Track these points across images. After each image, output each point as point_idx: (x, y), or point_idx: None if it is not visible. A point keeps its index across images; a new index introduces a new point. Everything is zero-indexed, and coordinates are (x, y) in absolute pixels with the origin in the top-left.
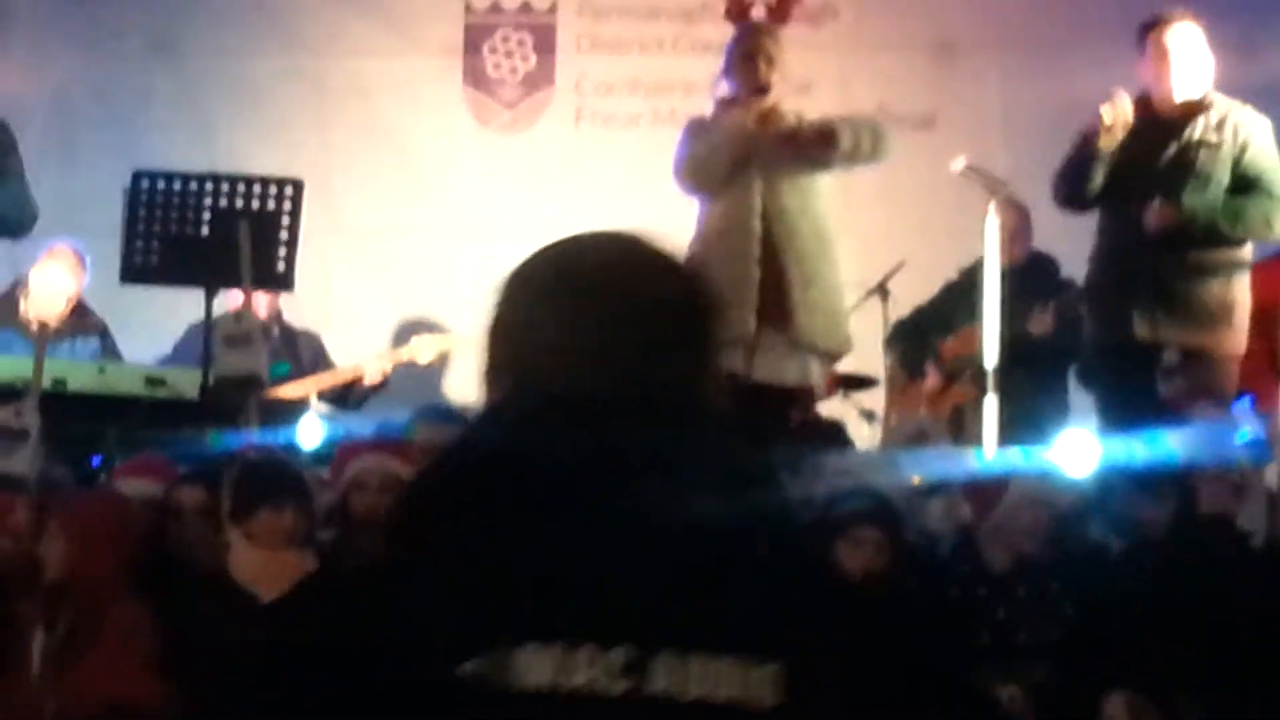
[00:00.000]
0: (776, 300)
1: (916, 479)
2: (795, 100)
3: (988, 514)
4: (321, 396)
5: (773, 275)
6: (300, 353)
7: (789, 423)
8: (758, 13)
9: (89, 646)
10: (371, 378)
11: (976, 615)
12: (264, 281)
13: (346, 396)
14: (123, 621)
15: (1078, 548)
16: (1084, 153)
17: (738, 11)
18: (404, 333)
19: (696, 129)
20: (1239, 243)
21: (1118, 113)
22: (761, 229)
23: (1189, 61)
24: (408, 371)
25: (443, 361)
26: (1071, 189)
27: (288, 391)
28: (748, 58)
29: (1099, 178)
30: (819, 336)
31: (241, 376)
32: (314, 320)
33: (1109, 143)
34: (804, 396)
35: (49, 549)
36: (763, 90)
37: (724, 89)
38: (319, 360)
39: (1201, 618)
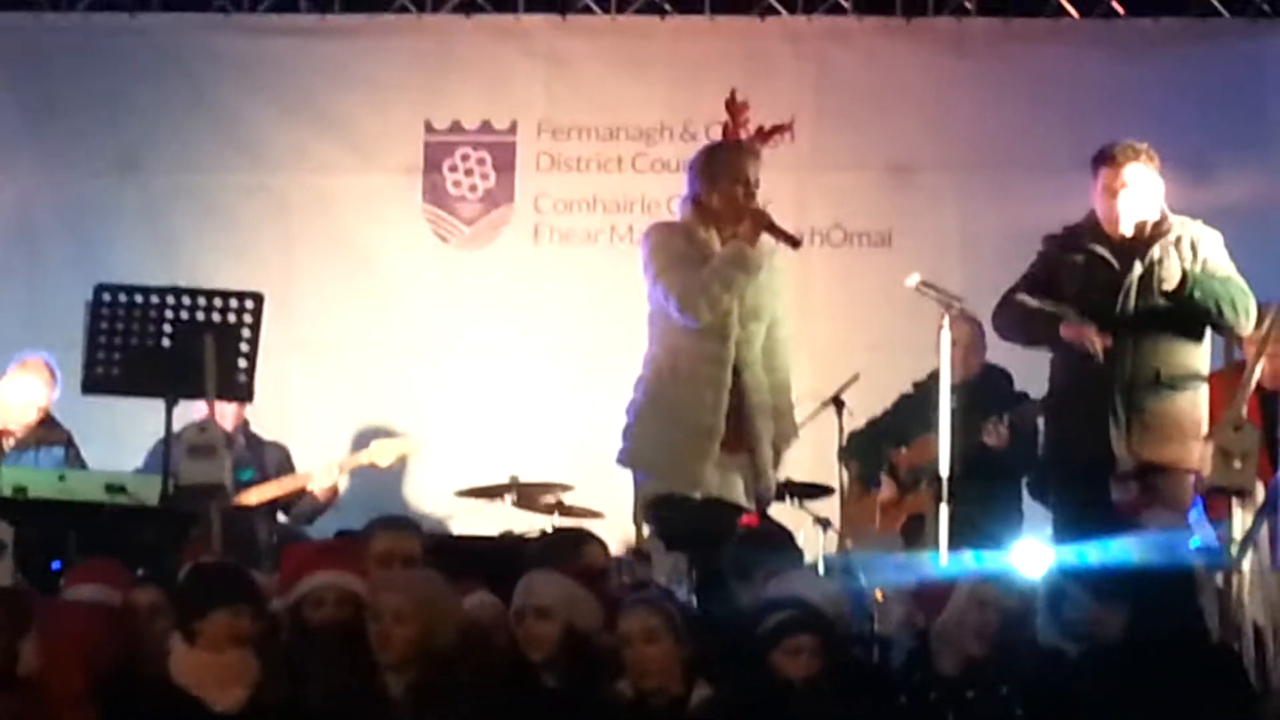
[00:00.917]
0: (736, 429)
1: (880, 593)
2: None
3: (936, 617)
4: (274, 508)
5: (734, 402)
6: (265, 462)
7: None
8: (745, 133)
9: None
10: (320, 483)
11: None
12: (224, 393)
13: (292, 509)
14: None
15: (1028, 651)
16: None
17: (733, 130)
18: (362, 445)
19: (672, 239)
20: (1202, 338)
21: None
22: (732, 382)
23: (1140, 201)
24: (366, 478)
25: (402, 465)
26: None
27: (241, 499)
28: (742, 179)
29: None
30: (768, 489)
31: (205, 486)
32: (272, 433)
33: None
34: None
35: (25, 650)
36: (754, 219)
37: (692, 190)
38: (283, 470)
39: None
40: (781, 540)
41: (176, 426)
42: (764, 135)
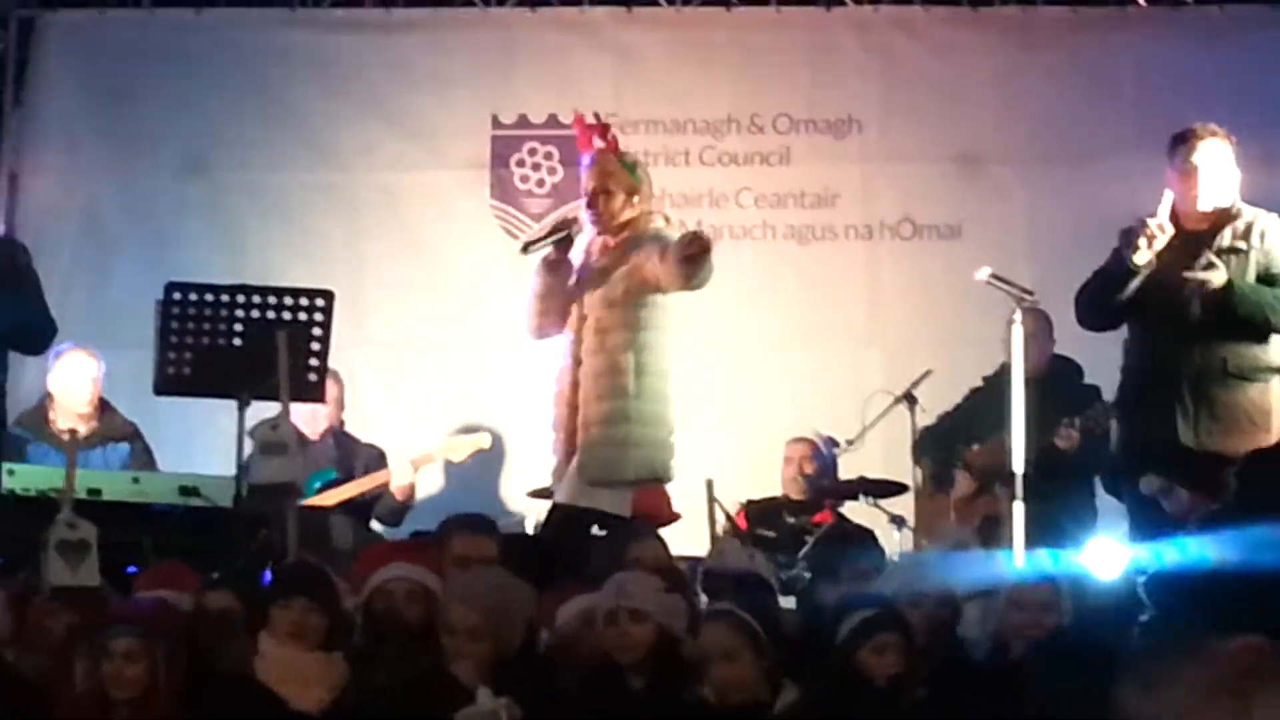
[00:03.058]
0: (571, 438)
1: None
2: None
3: (1017, 618)
4: (365, 512)
5: (574, 414)
6: (355, 463)
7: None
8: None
9: None
10: (396, 481)
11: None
12: (294, 393)
13: (372, 509)
14: None
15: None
16: (1118, 266)
17: (585, 143)
18: (433, 442)
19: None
20: (1267, 338)
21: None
22: (574, 369)
23: (1216, 178)
24: (440, 479)
25: (474, 460)
26: (1100, 302)
27: (318, 500)
28: (586, 190)
29: (1129, 290)
30: (599, 470)
31: (276, 485)
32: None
33: (1142, 257)
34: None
35: (149, 672)
36: (595, 226)
37: None
38: (373, 471)
39: None
40: (864, 540)
41: (251, 425)
42: (605, 138)
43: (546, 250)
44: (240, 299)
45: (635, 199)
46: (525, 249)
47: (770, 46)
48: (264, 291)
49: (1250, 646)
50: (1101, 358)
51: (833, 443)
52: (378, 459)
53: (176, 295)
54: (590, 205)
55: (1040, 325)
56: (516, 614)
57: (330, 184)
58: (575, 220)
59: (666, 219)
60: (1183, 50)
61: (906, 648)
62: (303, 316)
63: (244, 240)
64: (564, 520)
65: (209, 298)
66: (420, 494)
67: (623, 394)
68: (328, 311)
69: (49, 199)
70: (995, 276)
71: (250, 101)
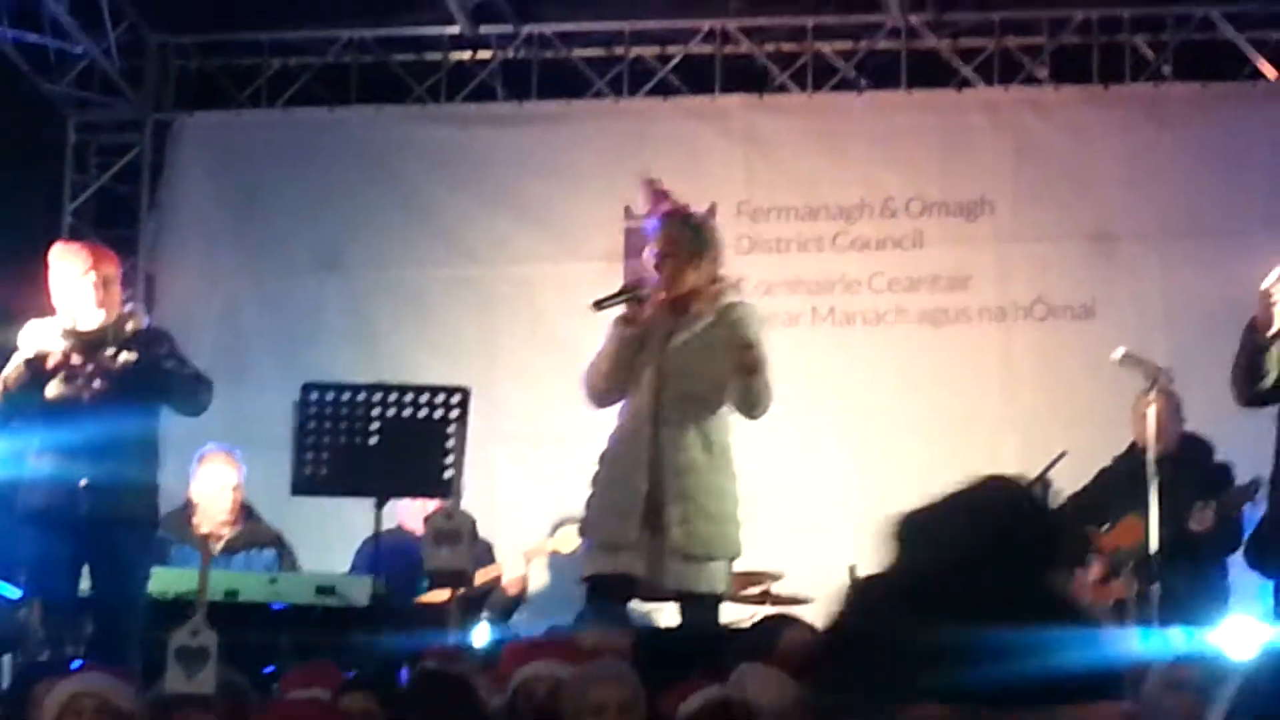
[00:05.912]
0: (656, 511)
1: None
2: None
3: (1170, 700)
4: (474, 605)
5: (655, 486)
6: None
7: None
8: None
9: None
10: (509, 574)
11: None
12: (429, 490)
13: (486, 603)
14: None
15: None
16: (1250, 347)
17: (651, 207)
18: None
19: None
20: None
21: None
22: (652, 439)
23: None
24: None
25: None
26: (1243, 386)
27: (430, 597)
28: (655, 257)
29: (1272, 370)
30: (700, 545)
31: (450, 572)
32: (481, 529)
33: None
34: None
35: None
36: (660, 292)
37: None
38: (482, 565)
39: None
40: (1076, 614)
41: (405, 520)
42: (666, 201)
43: (620, 309)
44: (376, 397)
45: (700, 262)
46: (598, 306)
47: (901, 130)
48: (400, 390)
49: None
50: (1233, 436)
51: None
52: (485, 552)
53: (313, 395)
54: (657, 269)
55: (1170, 404)
56: (639, 706)
57: (464, 279)
58: (644, 281)
59: (730, 284)
60: None
61: None
62: (438, 414)
63: (379, 337)
64: (698, 609)
65: (345, 397)
66: (534, 587)
67: (722, 468)
68: (463, 408)
69: (186, 300)
70: (1129, 355)
71: (384, 198)
